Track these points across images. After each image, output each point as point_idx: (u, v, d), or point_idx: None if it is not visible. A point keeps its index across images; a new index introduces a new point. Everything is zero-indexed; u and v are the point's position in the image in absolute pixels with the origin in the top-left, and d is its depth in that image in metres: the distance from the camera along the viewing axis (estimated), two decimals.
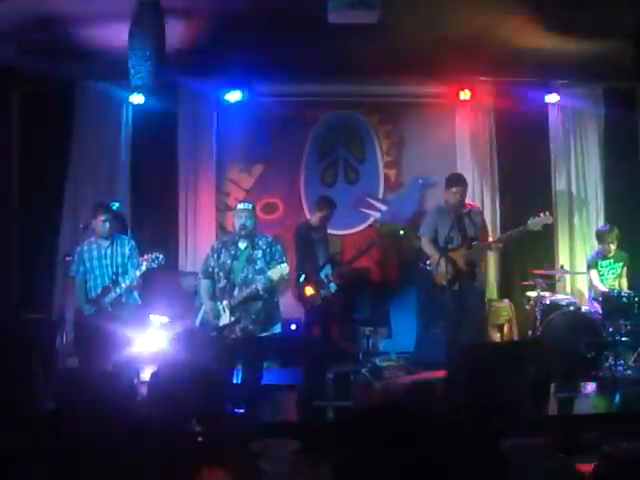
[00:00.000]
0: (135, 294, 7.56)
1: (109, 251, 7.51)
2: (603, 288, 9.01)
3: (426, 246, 8.31)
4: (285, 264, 6.84)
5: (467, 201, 8.40)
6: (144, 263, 7.30)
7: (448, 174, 8.55)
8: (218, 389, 4.71)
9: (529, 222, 7.98)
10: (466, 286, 8.10)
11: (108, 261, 7.49)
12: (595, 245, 9.48)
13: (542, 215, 8.01)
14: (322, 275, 8.30)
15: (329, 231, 9.09)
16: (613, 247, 9.11)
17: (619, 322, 8.35)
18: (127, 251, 7.54)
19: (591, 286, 9.42)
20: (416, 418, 1.83)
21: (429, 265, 8.19)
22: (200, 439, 3.71)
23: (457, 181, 8.24)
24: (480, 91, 10.02)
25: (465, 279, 8.10)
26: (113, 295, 7.36)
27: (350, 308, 9.10)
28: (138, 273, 7.31)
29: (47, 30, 7.66)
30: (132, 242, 7.67)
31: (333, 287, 8.27)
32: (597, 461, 2.42)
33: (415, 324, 9.65)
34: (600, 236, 9.24)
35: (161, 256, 7.32)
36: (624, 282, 9.15)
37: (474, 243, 8.12)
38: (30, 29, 7.67)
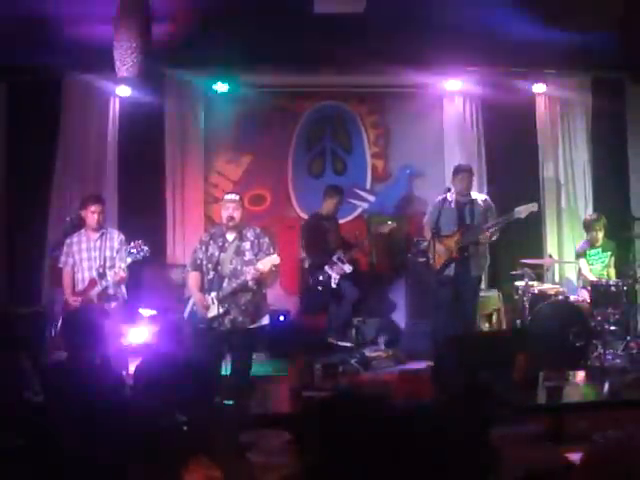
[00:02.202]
0: (122, 287, 7.53)
1: (98, 243, 7.48)
2: (592, 277, 9.03)
3: (427, 234, 8.54)
4: (275, 255, 6.82)
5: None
6: (129, 256, 7.26)
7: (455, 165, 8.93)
8: (207, 381, 4.70)
9: (515, 210, 8.30)
10: (461, 273, 8.31)
11: (97, 253, 7.45)
12: (583, 234, 9.50)
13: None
14: (335, 258, 8.77)
15: None
16: (600, 236, 9.13)
17: (607, 311, 8.37)
18: (116, 244, 7.50)
19: (579, 275, 9.44)
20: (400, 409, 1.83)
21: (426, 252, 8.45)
22: (187, 429, 3.70)
23: (462, 169, 8.64)
24: (467, 81, 10.02)
25: (459, 266, 8.27)
26: (100, 288, 7.33)
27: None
28: (123, 265, 7.27)
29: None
30: (122, 236, 7.62)
31: (348, 268, 8.67)
32: (585, 450, 2.41)
33: (404, 315, 9.68)
34: (587, 225, 9.26)
35: (146, 248, 7.27)
36: (612, 271, 9.17)
37: (468, 230, 8.30)
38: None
